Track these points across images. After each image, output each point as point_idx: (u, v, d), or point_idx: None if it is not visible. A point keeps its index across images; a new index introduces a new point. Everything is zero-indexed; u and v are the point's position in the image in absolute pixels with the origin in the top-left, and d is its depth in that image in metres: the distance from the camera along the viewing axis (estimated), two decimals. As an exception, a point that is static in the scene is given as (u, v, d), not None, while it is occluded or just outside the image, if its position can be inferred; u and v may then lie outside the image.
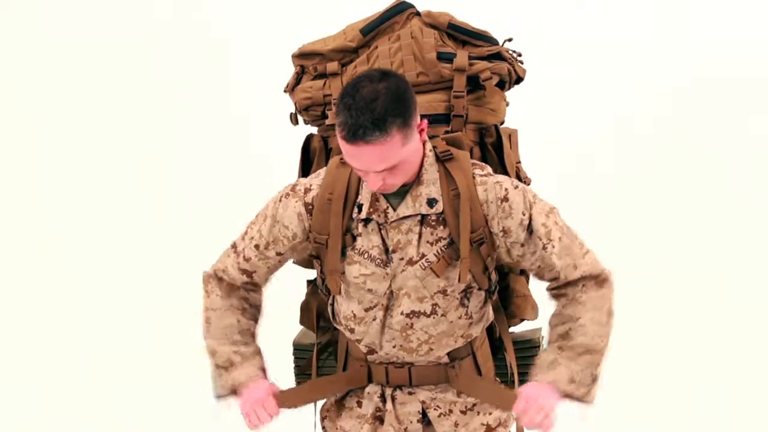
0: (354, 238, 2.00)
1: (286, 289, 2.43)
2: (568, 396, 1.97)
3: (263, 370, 2.12)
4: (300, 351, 2.41)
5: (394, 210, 1.97)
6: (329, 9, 2.77)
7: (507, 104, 2.35)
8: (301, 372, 2.41)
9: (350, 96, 1.80)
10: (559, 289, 2.04)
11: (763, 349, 4.05)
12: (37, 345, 4.23)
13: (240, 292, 2.14)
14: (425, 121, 1.92)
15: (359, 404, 2.17)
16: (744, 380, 3.97)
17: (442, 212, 1.96)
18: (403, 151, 1.83)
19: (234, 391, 2.10)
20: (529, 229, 1.98)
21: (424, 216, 1.97)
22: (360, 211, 1.98)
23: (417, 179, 1.96)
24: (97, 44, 4.34)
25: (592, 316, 1.98)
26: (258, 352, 2.14)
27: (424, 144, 1.96)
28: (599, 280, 2.02)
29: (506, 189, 1.97)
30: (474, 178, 1.97)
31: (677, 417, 3.82)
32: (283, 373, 2.63)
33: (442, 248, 1.98)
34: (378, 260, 1.99)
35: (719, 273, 4.16)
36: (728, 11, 4.22)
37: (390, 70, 1.91)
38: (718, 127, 4.21)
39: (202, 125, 4.34)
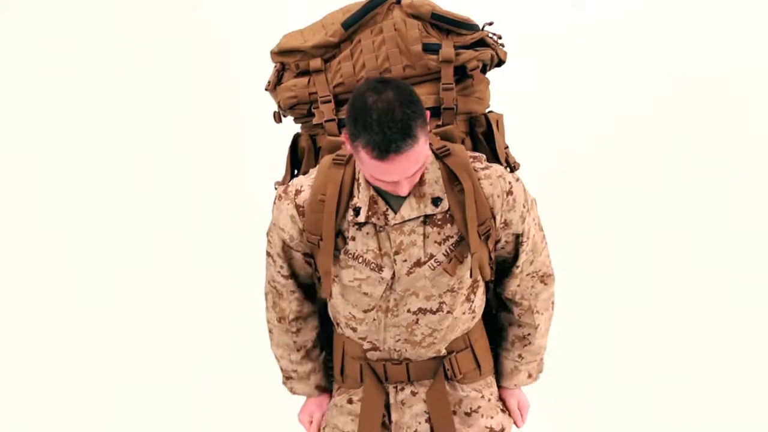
0: (345, 241, 1.98)
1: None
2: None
3: (318, 387, 2.25)
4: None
5: (395, 212, 1.94)
6: (329, 9, 2.72)
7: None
8: None
9: (366, 114, 1.75)
10: (513, 297, 2.16)
11: (762, 350, 4.10)
12: (36, 345, 4.20)
13: (292, 321, 2.19)
14: (428, 111, 1.88)
15: (350, 401, 2.17)
16: (744, 380, 4.01)
17: (448, 210, 1.94)
18: (426, 148, 1.83)
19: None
20: (524, 229, 2.04)
21: (427, 216, 1.95)
22: (357, 214, 1.95)
23: (419, 179, 1.93)
24: (96, 44, 4.26)
25: (545, 317, 2.18)
26: (313, 371, 2.24)
27: None
28: (545, 276, 2.16)
29: (510, 183, 1.98)
30: (476, 171, 1.96)
31: (676, 415, 3.89)
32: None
33: (451, 247, 1.96)
34: (372, 264, 1.97)
35: (718, 271, 4.18)
36: (728, 11, 4.21)
37: (387, 77, 1.88)
38: (717, 127, 4.21)
39: (201, 125, 4.28)
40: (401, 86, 1.80)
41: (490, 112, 2.23)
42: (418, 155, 1.79)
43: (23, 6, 4.28)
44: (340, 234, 1.98)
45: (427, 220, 1.95)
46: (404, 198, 1.93)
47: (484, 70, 2.18)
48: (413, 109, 1.77)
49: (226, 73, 4.22)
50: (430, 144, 1.96)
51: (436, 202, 1.94)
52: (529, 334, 2.17)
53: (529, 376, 2.22)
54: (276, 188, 2.26)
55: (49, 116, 4.29)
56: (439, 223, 1.95)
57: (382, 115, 1.74)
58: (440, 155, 1.95)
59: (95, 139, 4.28)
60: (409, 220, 1.94)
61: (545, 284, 2.15)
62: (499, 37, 2.22)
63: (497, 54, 2.18)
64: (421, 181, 1.93)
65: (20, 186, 4.30)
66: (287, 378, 2.25)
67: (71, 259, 4.28)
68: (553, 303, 2.20)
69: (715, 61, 4.18)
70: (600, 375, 3.98)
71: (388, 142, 1.74)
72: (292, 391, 2.26)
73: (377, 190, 1.95)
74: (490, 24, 2.20)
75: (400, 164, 1.78)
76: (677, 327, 4.13)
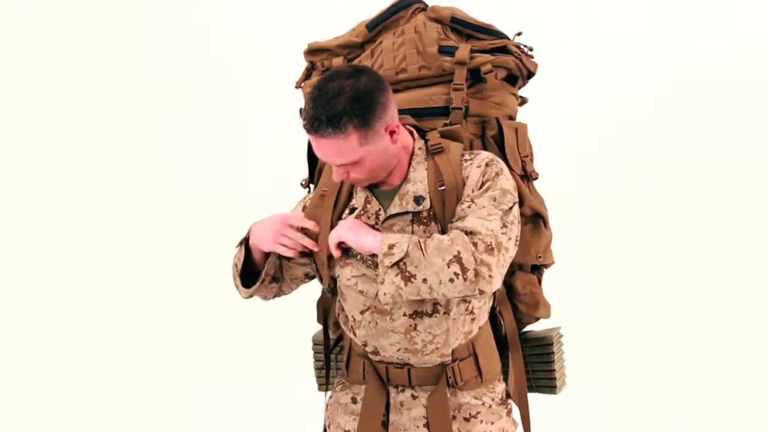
0: None
1: (309, 286, 2.48)
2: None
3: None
4: (319, 346, 2.46)
5: (386, 211, 1.98)
6: (329, 9, 2.79)
7: (525, 101, 2.34)
8: (319, 366, 2.45)
9: (318, 88, 1.85)
10: None
11: (762, 349, 4.03)
12: (35, 344, 4.33)
13: None
14: (395, 124, 1.90)
15: (354, 401, 2.18)
16: (744, 380, 3.97)
17: (431, 209, 1.96)
18: (362, 150, 1.85)
19: (251, 271, 2.07)
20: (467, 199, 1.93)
21: (415, 215, 1.97)
22: (352, 213, 2.00)
23: (405, 178, 1.97)
24: (97, 44, 4.40)
25: (441, 238, 1.85)
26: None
27: (414, 141, 1.99)
28: (475, 235, 1.85)
29: (470, 166, 1.97)
30: (461, 164, 1.97)
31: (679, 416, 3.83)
32: (303, 367, 2.68)
33: None
34: (369, 261, 1.99)
35: (718, 272, 4.13)
36: (729, 11, 4.14)
37: (366, 68, 1.90)
38: (718, 127, 4.13)
39: (202, 125, 4.39)
40: (367, 83, 1.83)
41: (511, 120, 2.23)
42: (343, 150, 1.83)
43: (23, 6, 4.45)
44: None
45: (414, 218, 1.97)
46: (393, 197, 1.98)
47: (513, 80, 2.20)
48: (355, 107, 1.81)
49: (227, 73, 4.34)
50: (427, 141, 2.00)
51: (418, 200, 1.96)
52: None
53: (390, 246, 1.84)
54: (302, 184, 2.34)
55: (48, 117, 4.43)
56: (425, 221, 1.97)
57: (324, 95, 1.82)
58: (432, 152, 1.98)
59: (93, 139, 4.41)
60: (395, 217, 1.97)
61: (473, 242, 1.83)
62: (530, 49, 2.24)
63: (524, 64, 2.19)
64: (407, 180, 1.97)
65: (22, 186, 4.44)
66: (235, 265, 2.09)
67: (74, 262, 4.40)
68: (454, 253, 1.82)
69: (716, 62, 4.08)
70: (603, 372, 3.93)
71: (314, 119, 1.82)
72: (238, 252, 2.08)
73: (372, 190, 2.00)
74: (519, 34, 2.22)
75: (323, 147, 1.84)
76: (678, 326, 4.06)
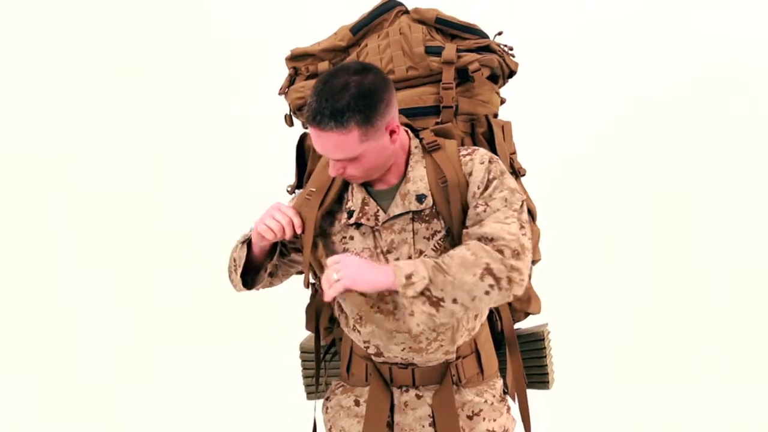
0: (327, 238, 2.02)
1: (294, 293, 2.46)
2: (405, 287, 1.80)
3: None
4: (306, 354, 2.44)
5: (385, 212, 1.97)
6: (329, 9, 2.79)
7: (503, 101, 2.37)
8: (309, 374, 2.43)
9: (323, 81, 1.84)
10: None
11: (760, 348, 4.10)
12: (35, 344, 4.30)
13: None
14: (396, 124, 1.90)
15: (357, 403, 2.17)
16: (730, 370, 4.03)
17: (433, 205, 1.96)
18: (362, 147, 1.84)
19: (251, 267, 2.07)
20: (480, 201, 1.94)
21: (415, 213, 1.97)
22: (351, 216, 1.99)
23: (404, 177, 1.97)
24: (97, 44, 4.39)
25: (463, 254, 1.83)
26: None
27: (410, 140, 1.99)
28: (497, 241, 1.85)
29: (470, 162, 1.97)
30: (460, 160, 1.97)
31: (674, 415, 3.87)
32: (291, 376, 2.65)
33: (440, 241, 1.97)
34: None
35: (719, 272, 4.20)
36: (729, 11, 4.23)
37: (374, 67, 1.89)
38: (719, 128, 4.21)
39: (202, 125, 4.38)
40: (373, 81, 1.83)
41: (497, 119, 2.25)
42: (343, 145, 1.83)
43: (24, 6, 4.42)
44: (324, 233, 2.03)
45: (415, 216, 1.97)
46: (392, 197, 1.97)
47: (495, 79, 2.22)
48: (359, 104, 1.80)
49: (226, 73, 4.34)
50: (422, 139, 2.01)
51: (420, 198, 1.96)
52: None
53: (410, 276, 1.80)
54: (288, 191, 2.32)
55: (47, 117, 4.39)
56: (427, 218, 1.97)
57: (329, 89, 1.81)
58: (429, 149, 1.98)
59: (93, 139, 4.38)
60: (397, 217, 1.97)
61: (498, 249, 1.83)
62: (510, 48, 2.27)
63: (506, 63, 2.22)
64: (407, 179, 1.97)
65: (22, 188, 4.40)
66: (235, 263, 2.08)
67: (68, 262, 4.37)
68: (484, 265, 1.80)
69: (717, 62, 4.16)
70: (603, 374, 3.96)
71: (317, 112, 1.81)
72: (237, 263, 2.05)
73: (368, 190, 2.00)
74: (500, 34, 2.25)
75: (323, 140, 1.83)
76: (680, 326, 4.10)
